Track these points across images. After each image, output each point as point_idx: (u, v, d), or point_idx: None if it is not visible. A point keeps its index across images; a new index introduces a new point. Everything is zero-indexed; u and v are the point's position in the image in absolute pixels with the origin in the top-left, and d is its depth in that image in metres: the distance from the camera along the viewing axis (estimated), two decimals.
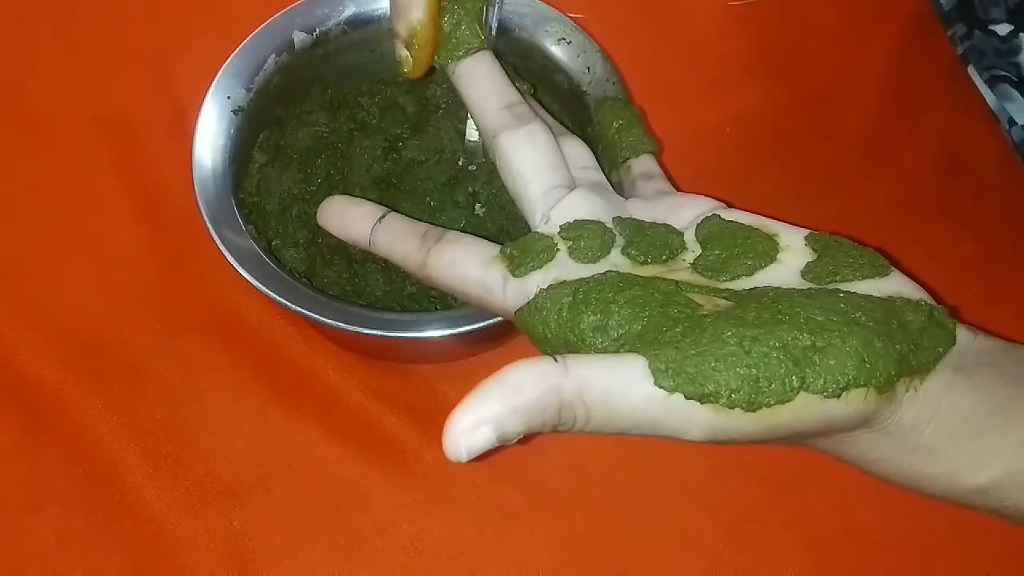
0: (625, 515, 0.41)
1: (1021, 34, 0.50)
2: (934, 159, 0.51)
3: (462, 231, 0.44)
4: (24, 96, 0.48)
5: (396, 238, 0.33)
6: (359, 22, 0.42)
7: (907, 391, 0.26)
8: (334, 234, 0.35)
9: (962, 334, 0.28)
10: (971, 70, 0.52)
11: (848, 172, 0.51)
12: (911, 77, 0.53)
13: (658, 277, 0.28)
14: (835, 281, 0.28)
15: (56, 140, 0.47)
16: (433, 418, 0.42)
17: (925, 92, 0.53)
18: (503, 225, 0.44)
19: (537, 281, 0.29)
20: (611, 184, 0.34)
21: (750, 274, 0.28)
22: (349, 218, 0.34)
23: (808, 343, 0.25)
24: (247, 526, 0.39)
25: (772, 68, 0.53)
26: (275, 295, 0.35)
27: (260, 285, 0.35)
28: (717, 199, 0.32)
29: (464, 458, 0.23)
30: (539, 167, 0.32)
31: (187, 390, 0.42)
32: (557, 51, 0.42)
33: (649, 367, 0.24)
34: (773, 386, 0.24)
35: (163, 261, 0.45)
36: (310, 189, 0.44)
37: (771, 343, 0.24)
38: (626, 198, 0.33)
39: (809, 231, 0.29)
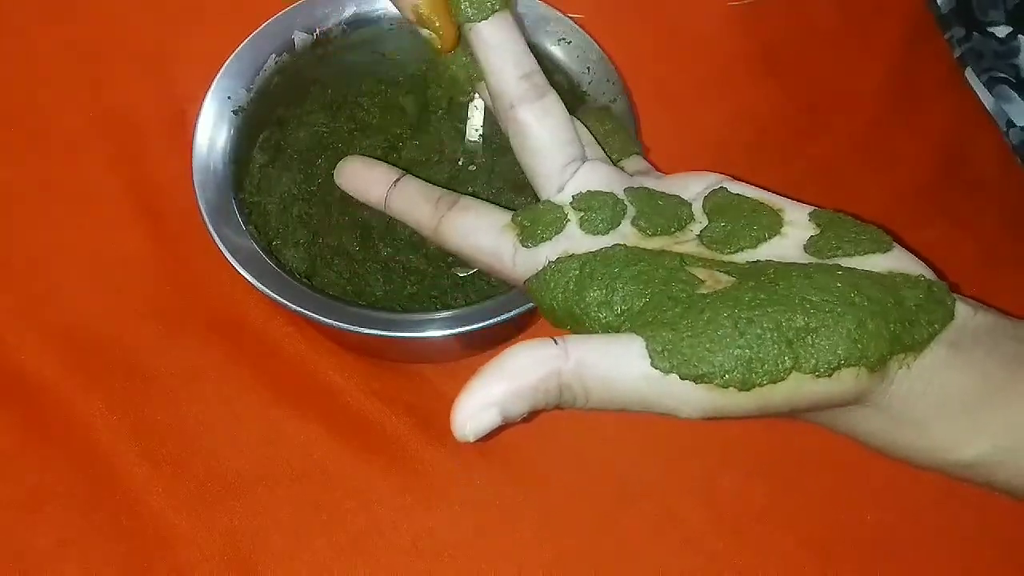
0: (625, 514, 0.41)
1: (1020, 36, 0.50)
2: (934, 159, 0.51)
3: None
4: (24, 96, 0.48)
5: (410, 203, 0.33)
6: (359, 22, 0.42)
7: (900, 368, 0.27)
8: (353, 196, 0.36)
9: (961, 309, 0.28)
10: (968, 73, 0.52)
11: (848, 172, 0.51)
12: (911, 77, 0.53)
13: (665, 250, 0.29)
14: (837, 256, 0.28)
15: (56, 140, 0.47)
16: (433, 418, 0.42)
17: (925, 92, 0.53)
18: None
19: (547, 252, 0.29)
20: None
21: (754, 246, 0.29)
22: (364, 181, 0.35)
23: (802, 324, 0.25)
24: (247, 526, 0.39)
25: (772, 68, 0.53)
26: (275, 295, 0.35)
27: (260, 285, 0.35)
28: (723, 174, 0.32)
29: (471, 439, 0.24)
30: (556, 142, 0.31)
31: (187, 390, 0.42)
32: (557, 51, 0.42)
33: (646, 348, 0.25)
34: (766, 366, 0.25)
35: (163, 261, 0.45)
36: (310, 189, 0.44)
37: (765, 324, 0.25)
38: None
39: (814, 208, 0.30)
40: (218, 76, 0.40)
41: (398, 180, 0.34)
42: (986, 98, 0.51)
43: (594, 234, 0.30)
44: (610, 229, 0.30)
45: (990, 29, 0.51)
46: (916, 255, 0.29)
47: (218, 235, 0.36)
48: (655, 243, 0.29)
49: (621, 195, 0.31)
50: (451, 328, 0.35)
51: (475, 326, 0.35)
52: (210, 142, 0.39)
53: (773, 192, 0.31)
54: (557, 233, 0.30)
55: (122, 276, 0.44)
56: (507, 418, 0.24)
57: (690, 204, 0.31)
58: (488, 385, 0.24)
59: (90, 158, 0.47)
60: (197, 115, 0.39)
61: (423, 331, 0.35)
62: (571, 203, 0.30)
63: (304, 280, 0.38)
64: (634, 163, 0.37)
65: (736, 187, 0.31)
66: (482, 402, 0.24)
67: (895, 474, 0.40)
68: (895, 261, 0.28)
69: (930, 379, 0.27)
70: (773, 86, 0.52)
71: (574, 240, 0.30)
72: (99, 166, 0.47)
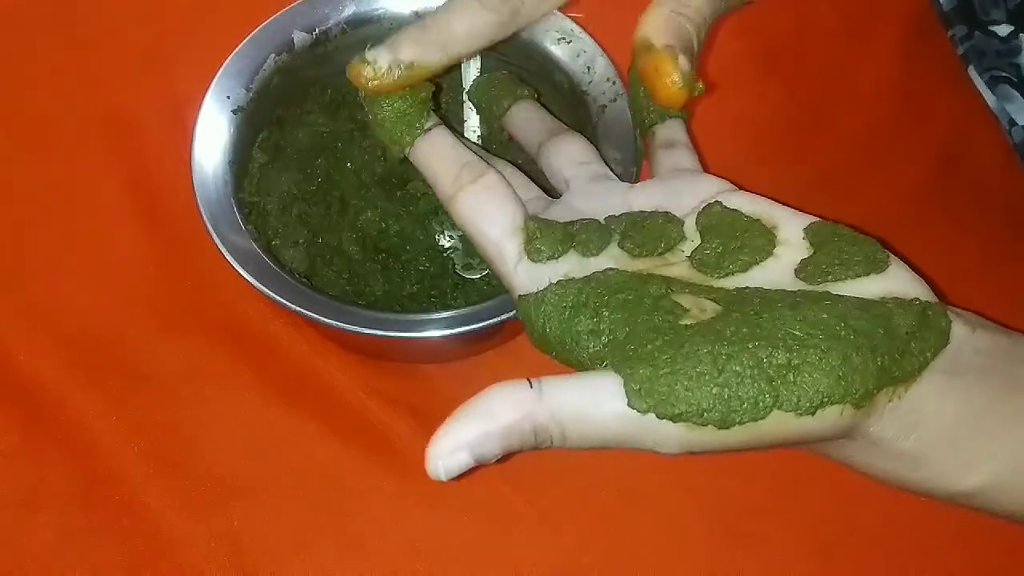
0: (625, 515, 0.41)
1: (1021, 35, 0.50)
2: (935, 159, 0.51)
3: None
4: (24, 96, 0.48)
5: (434, 157, 0.32)
6: (359, 22, 0.42)
7: (890, 401, 0.26)
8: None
9: (959, 330, 0.27)
10: (971, 71, 0.52)
11: (849, 172, 0.51)
12: (912, 77, 0.53)
13: (652, 275, 0.28)
14: (827, 281, 0.27)
15: (56, 140, 0.47)
16: (434, 418, 0.41)
17: (926, 92, 0.53)
18: None
19: (548, 273, 0.29)
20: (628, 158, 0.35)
21: (744, 271, 0.28)
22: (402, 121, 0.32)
23: (784, 360, 0.25)
24: (247, 526, 0.39)
25: (773, 68, 0.53)
26: (275, 295, 0.35)
27: (260, 285, 0.35)
28: (726, 179, 0.31)
29: (444, 478, 0.24)
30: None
31: (187, 390, 0.42)
32: (557, 51, 0.42)
33: (623, 387, 0.25)
34: (745, 405, 0.24)
35: (163, 261, 0.45)
36: (310, 189, 0.44)
37: (745, 361, 0.24)
38: (634, 177, 0.34)
39: (812, 221, 0.29)
40: (217, 76, 0.40)
41: (431, 128, 0.32)
42: (989, 97, 0.51)
43: (587, 256, 0.29)
44: (602, 249, 0.29)
45: (991, 28, 0.51)
46: (915, 269, 0.28)
47: (218, 235, 0.36)
48: (643, 264, 0.29)
49: (602, 221, 0.31)
50: (451, 328, 0.35)
51: (475, 326, 0.35)
52: (209, 142, 0.39)
53: (773, 200, 0.30)
54: (563, 254, 0.29)
55: (122, 276, 0.44)
56: (479, 460, 0.24)
57: (681, 221, 0.30)
58: (461, 427, 0.24)
59: (90, 158, 0.47)
60: (196, 115, 0.39)
61: (423, 331, 0.35)
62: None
63: (304, 280, 0.38)
64: (667, 130, 0.35)
65: (734, 199, 0.30)
66: (454, 443, 0.24)
67: None
68: (890, 282, 0.27)
69: (922, 410, 0.26)
70: (773, 86, 0.52)
71: (572, 263, 0.29)
72: (99, 166, 0.47)
